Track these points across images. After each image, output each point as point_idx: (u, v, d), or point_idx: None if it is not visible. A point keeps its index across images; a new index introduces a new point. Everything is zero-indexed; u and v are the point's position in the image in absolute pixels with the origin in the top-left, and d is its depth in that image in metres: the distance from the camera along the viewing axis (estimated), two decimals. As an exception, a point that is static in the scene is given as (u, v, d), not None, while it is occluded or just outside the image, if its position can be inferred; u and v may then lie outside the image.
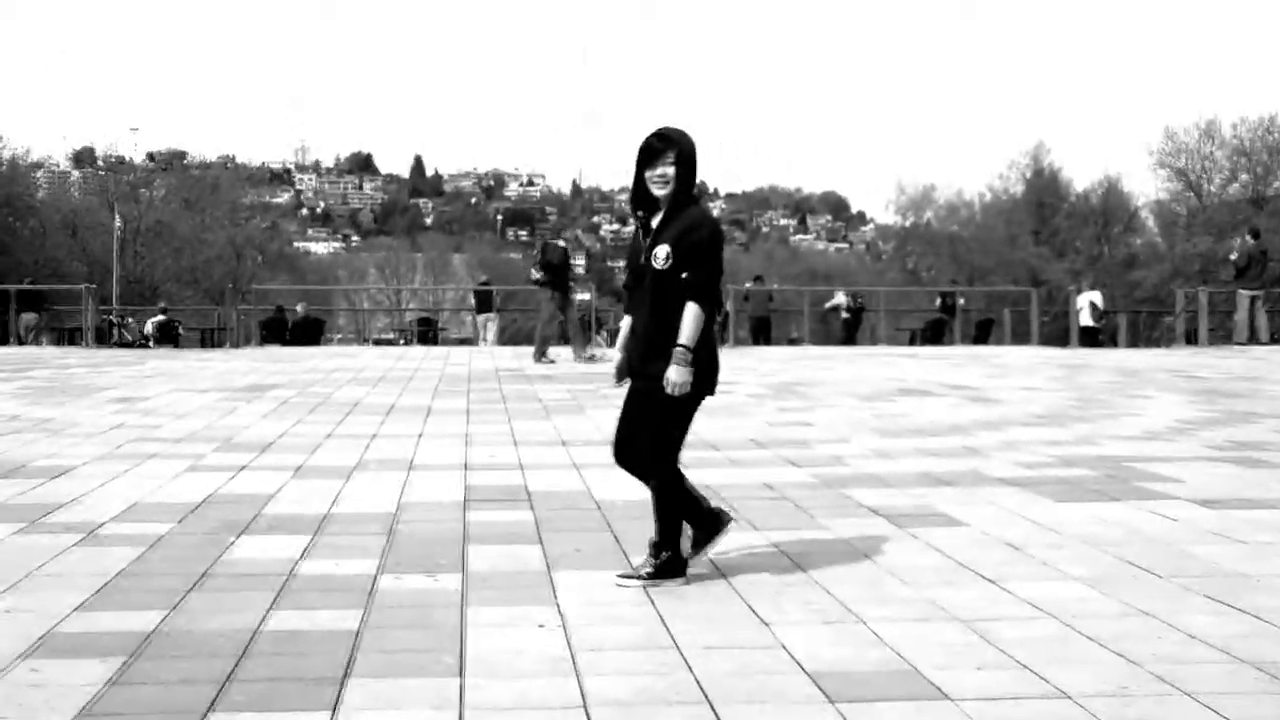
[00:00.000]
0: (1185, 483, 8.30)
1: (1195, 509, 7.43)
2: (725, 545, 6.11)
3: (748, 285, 32.57)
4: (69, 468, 8.92)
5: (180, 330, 33.07)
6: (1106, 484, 8.30)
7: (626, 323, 5.89)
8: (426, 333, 34.76)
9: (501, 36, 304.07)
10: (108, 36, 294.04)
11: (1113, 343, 31.50)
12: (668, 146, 5.59)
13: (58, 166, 76.46)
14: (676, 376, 5.55)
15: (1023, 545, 6.49)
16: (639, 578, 5.70)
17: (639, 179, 5.67)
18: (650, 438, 5.69)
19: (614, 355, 6.01)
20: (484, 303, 31.49)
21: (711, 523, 5.87)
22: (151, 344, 30.69)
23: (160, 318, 32.47)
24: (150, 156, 74.50)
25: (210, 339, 33.21)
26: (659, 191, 5.60)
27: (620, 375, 5.92)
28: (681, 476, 5.80)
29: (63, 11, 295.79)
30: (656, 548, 5.74)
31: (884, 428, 11.33)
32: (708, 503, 5.92)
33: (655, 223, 5.66)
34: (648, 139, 5.64)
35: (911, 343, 31.80)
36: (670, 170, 5.57)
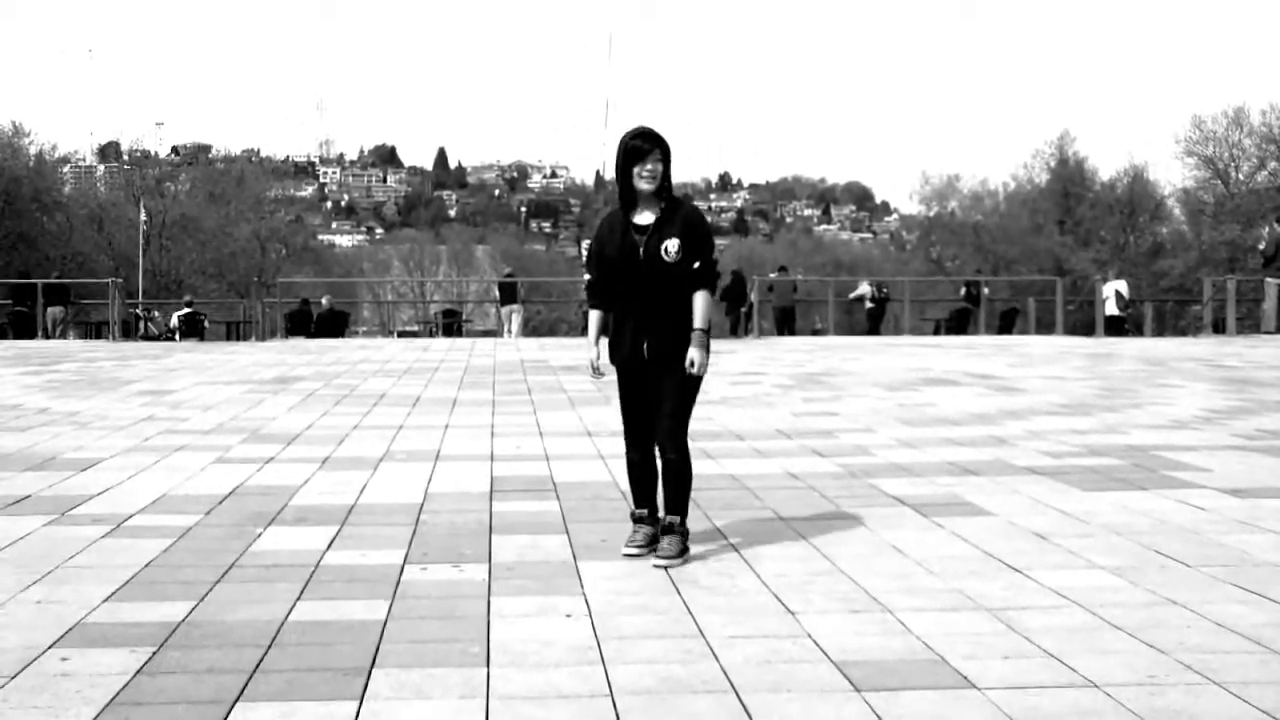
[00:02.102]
0: (1213, 472, 8.26)
1: (1224, 498, 7.39)
2: (755, 536, 6.10)
3: (772, 275, 32.48)
4: (97, 460, 8.96)
5: (205, 323, 33.15)
6: (1134, 473, 8.26)
7: (596, 317, 6.27)
8: (451, 325, 34.79)
9: (525, 28, 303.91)
10: (133, 32, 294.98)
11: (1139, 332, 31.35)
12: (654, 145, 5.96)
13: (84, 161, 76.74)
14: (699, 357, 5.95)
15: (1050, 534, 6.46)
16: (676, 557, 5.91)
17: (625, 176, 5.98)
18: (677, 416, 6.06)
19: (596, 348, 6.31)
20: (508, 294, 31.57)
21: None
22: (177, 337, 30.80)
23: (185, 311, 32.55)
24: (175, 150, 74.83)
25: (235, 332, 33.29)
26: (647, 187, 5.94)
27: (627, 366, 6.17)
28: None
29: (88, 8, 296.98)
30: (681, 524, 6.04)
31: (909, 417, 11.30)
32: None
33: (644, 220, 5.99)
34: (632, 140, 5.97)
35: (936, 332, 31.68)
36: (659, 166, 5.94)
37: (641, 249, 5.94)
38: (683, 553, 5.96)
